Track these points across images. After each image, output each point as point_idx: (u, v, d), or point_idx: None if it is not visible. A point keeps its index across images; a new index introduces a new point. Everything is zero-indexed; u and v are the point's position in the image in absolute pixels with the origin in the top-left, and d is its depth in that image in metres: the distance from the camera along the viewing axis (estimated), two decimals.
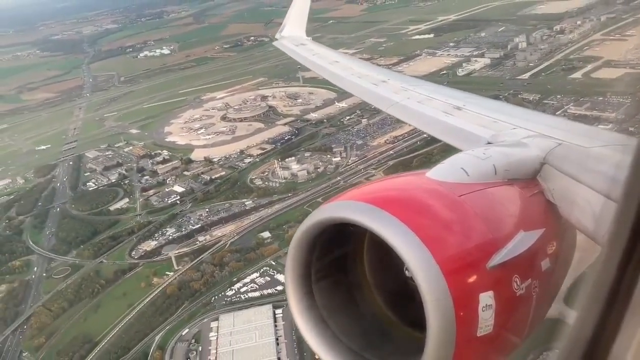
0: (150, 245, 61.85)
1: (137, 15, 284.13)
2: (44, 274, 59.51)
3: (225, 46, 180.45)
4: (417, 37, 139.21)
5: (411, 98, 7.13)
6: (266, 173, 76.93)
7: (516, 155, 3.83)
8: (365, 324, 3.26)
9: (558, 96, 78.61)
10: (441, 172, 3.25)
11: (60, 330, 49.97)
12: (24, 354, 48.14)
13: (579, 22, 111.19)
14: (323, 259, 3.12)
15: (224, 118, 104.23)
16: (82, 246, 63.66)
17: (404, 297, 3.04)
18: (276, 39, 13.47)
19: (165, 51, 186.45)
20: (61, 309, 52.63)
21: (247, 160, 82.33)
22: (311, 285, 3.10)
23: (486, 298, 2.72)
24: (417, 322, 2.70)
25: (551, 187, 3.63)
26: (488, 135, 4.75)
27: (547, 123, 4.78)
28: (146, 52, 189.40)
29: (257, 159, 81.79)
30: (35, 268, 61.02)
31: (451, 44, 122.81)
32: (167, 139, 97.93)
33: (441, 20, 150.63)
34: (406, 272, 2.68)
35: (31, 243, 66.78)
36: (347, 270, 3.34)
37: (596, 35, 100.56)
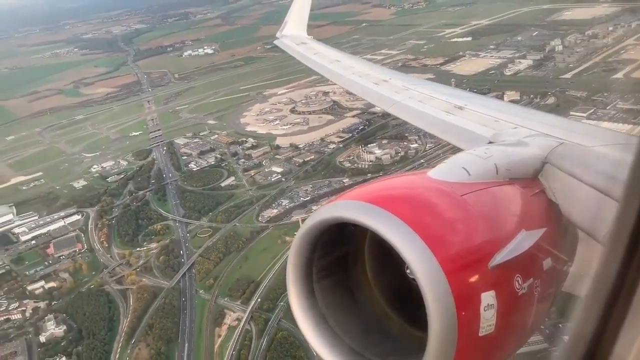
0: (272, 212, 73.29)
1: (162, 16, 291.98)
2: (187, 235, 70.97)
3: (267, 47, 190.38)
4: (456, 39, 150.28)
5: (412, 97, 7.23)
6: (352, 157, 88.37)
7: (518, 154, 3.88)
8: (366, 323, 3.28)
9: (605, 94, 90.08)
10: (442, 171, 3.34)
11: (223, 274, 61.27)
12: (199, 291, 59.53)
13: (610, 28, 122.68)
14: (325, 258, 3.17)
15: (293, 111, 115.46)
16: (210, 213, 75.09)
17: (406, 296, 3.06)
18: (277, 38, 13.77)
19: (209, 51, 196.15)
20: (218, 258, 64.00)
21: (331, 146, 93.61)
22: (312, 284, 3.14)
23: (488, 298, 2.74)
24: (419, 321, 2.73)
25: (553, 186, 3.67)
26: (489, 134, 4.87)
27: (548, 122, 4.94)
28: (190, 52, 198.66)
29: (340, 145, 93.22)
30: (177, 230, 72.47)
31: (491, 47, 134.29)
32: (246, 129, 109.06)
33: (475, 25, 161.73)
34: (407, 271, 2.72)
35: (162, 211, 78.15)
36: (349, 269, 3.38)
37: (629, 40, 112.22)
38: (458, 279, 2.67)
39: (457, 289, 2.63)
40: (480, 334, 2.71)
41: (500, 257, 2.84)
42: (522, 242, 2.98)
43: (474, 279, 2.77)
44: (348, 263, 3.38)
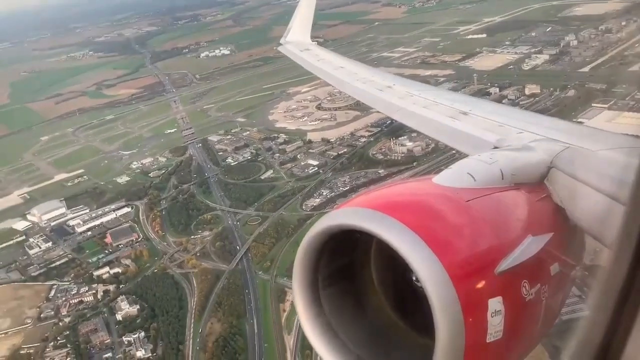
0: (315, 201, 77.63)
1: (172, 18, 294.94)
2: (237, 223, 75.49)
3: None
4: (471, 36, 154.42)
5: (417, 103, 7.35)
6: (383, 149, 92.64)
7: (523, 159, 3.90)
8: (373, 331, 3.28)
9: (623, 86, 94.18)
10: (448, 177, 3.35)
11: (279, 257, 65.64)
12: (259, 272, 64.07)
13: (623, 23, 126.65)
14: (331, 266, 3.16)
15: (319, 107, 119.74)
16: (256, 203, 79.53)
17: (413, 303, 3.04)
18: (280, 44, 13.80)
19: (225, 51, 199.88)
20: (271, 243, 68.47)
21: (361, 140, 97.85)
22: (319, 292, 3.15)
23: (495, 304, 2.75)
24: (426, 328, 2.72)
25: (559, 190, 3.67)
26: (494, 139, 4.88)
27: (553, 126, 4.94)
28: (207, 53, 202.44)
29: (371, 139, 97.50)
30: (227, 219, 77.01)
31: (507, 43, 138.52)
32: (276, 125, 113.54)
33: (488, 22, 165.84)
34: (414, 278, 2.70)
35: (209, 202, 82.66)
36: (355, 277, 3.37)
37: None
38: (465, 285, 2.70)
39: (464, 296, 2.66)
40: (487, 340, 2.74)
41: (506, 263, 2.87)
42: (529, 247, 3.01)
43: (480, 285, 2.80)
44: (354, 270, 3.40)
